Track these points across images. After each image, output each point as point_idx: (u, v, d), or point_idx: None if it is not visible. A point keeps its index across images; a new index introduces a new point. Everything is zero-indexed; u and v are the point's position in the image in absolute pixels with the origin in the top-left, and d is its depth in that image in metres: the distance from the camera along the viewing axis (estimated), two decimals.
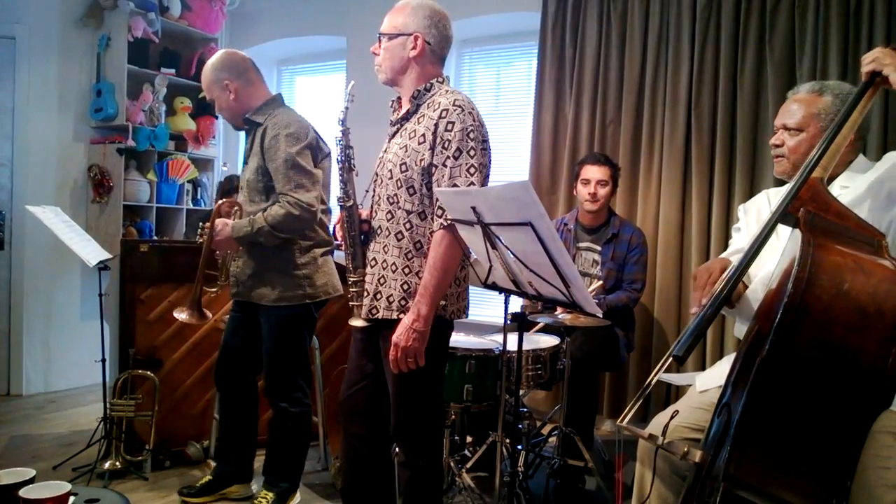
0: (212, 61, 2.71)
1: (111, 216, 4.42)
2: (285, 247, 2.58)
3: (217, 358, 2.82)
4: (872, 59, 1.55)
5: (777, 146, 1.86)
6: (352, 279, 2.07)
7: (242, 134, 2.83)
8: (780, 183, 1.97)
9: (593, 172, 3.27)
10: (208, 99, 2.74)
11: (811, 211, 1.44)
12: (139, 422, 3.07)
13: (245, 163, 2.69)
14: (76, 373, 4.37)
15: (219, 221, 2.57)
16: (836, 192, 1.70)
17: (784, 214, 1.48)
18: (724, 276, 1.61)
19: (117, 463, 2.99)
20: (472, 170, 1.92)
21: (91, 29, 4.49)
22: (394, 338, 1.93)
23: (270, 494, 2.68)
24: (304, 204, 2.47)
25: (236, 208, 2.66)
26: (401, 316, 1.97)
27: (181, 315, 2.62)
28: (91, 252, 3.06)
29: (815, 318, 1.23)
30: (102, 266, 3.04)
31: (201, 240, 2.59)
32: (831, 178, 1.74)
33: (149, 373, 3.09)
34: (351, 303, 2.08)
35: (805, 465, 1.27)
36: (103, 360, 3.13)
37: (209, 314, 2.69)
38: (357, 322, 2.06)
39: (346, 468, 2.24)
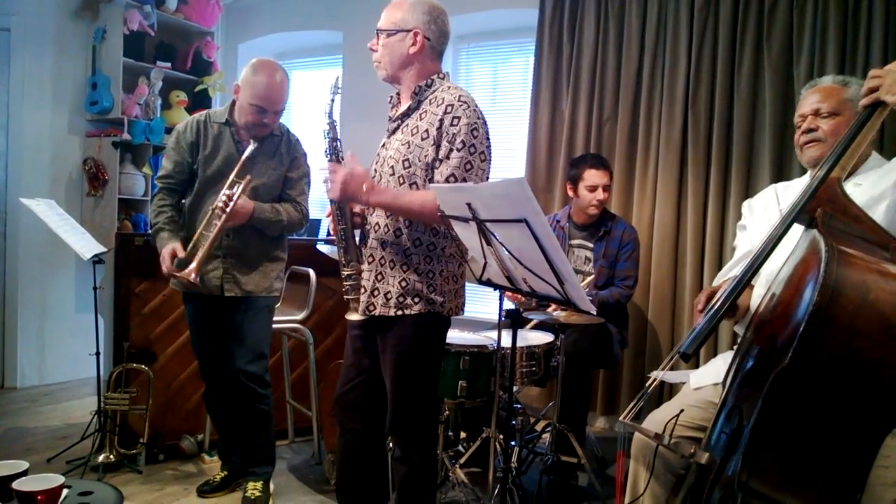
0: (283, 73, 2.63)
1: (106, 209, 4.41)
2: (277, 241, 2.75)
3: (199, 362, 2.85)
4: (869, 86, 1.51)
5: (811, 130, 1.84)
6: (345, 272, 2.07)
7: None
8: (782, 178, 1.96)
9: (599, 178, 3.25)
10: (280, 109, 2.61)
11: (829, 212, 1.41)
12: (133, 415, 3.07)
13: (246, 167, 2.62)
14: (70, 366, 4.37)
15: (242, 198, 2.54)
16: (850, 189, 1.69)
17: (800, 213, 1.46)
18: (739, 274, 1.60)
19: (111, 456, 3.00)
20: (475, 166, 1.92)
21: (86, 21, 4.48)
22: (343, 177, 1.92)
23: (259, 483, 2.72)
24: (307, 217, 2.78)
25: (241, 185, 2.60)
26: (398, 313, 1.97)
27: (186, 270, 2.44)
28: (85, 245, 3.05)
29: (840, 328, 1.19)
30: (97, 259, 3.04)
31: (221, 209, 2.49)
32: (846, 177, 1.73)
33: (143, 366, 3.09)
34: (346, 297, 2.08)
35: (819, 476, 1.25)
36: (97, 354, 3.13)
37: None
38: (353, 316, 2.06)
39: (341, 464, 2.25)
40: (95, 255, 3.02)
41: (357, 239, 2.14)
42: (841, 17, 3.32)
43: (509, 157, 4.39)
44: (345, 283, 2.07)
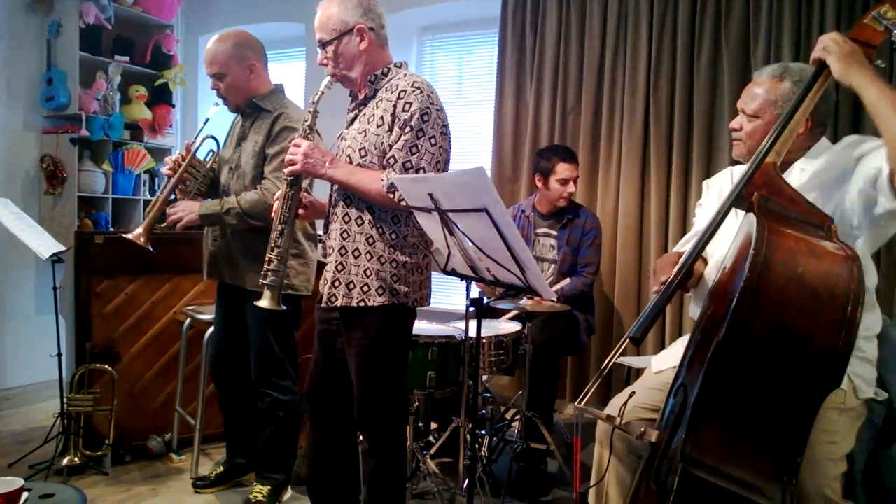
0: (232, 36, 2.61)
1: (65, 208, 4.32)
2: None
3: (211, 354, 2.82)
4: (821, 47, 1.57)
5: (735, 130, 1.88)
6: (269, 255, 2.02)
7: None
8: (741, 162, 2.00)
9: (571, 172, 3.29)
10: (213, 73, 2.57)
11: (764, 195, 1.47)
12: (98, 416, 3.02)
13: (238, 145, 2.65)
14: (32, 368, 4.27)
15: (182, 203, 2.57)
16: (796, 173, 1.74)
17: (738, 198, 1.51)
18: (681, 260, 1.64)
19: (76, 459, 2.94)
20: (421, 149, 1.92)
21: (40, 15, 4.37)
22: (306, 149, 1.96)
23: (265, 488, 2.67)
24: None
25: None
26: (360, 303, 1.97)
27: (133, 233, 2.53)
28: (44, 244, 2.98)
29: (770, 301, 1.26)
30: (56, 259, 2.97)
31: (170, 171, 2.60)
32: (791, 163, 1.77)
33: (107, 366, 3.04)
34: (261, 281, 2.02)
35: (759, 444, 1.30)
36: (59, 355, 3.07)
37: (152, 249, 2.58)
38: (263, 302, 2.01)
39: (312, 457, 2.24)
40: (54, 255, 2.95)
41: (323, 230, 2.13)
42: (795, 5, 3.39)
43: (476, 148, 4.40)
44: (266, 265, 2.02)
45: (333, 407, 2.16)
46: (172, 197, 2.68)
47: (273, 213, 2.06)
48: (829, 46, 1.55)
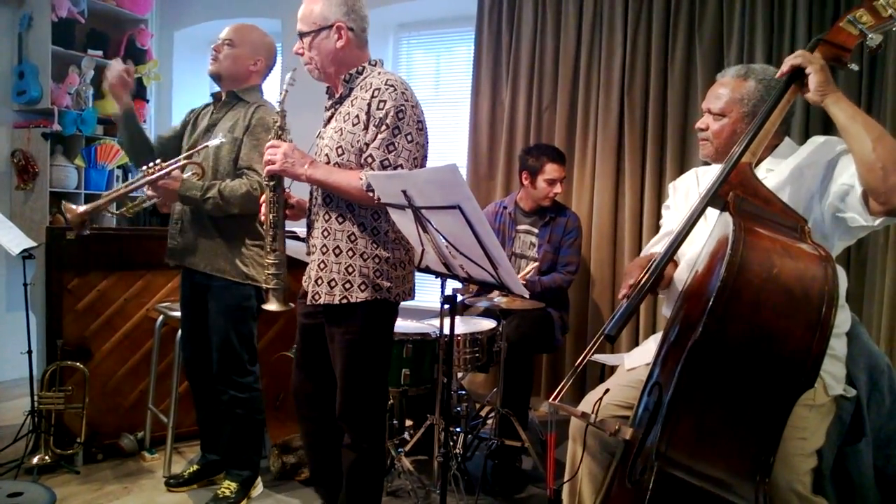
0: (265, 34, 2.72)
1: (37, 203, 4.26)
2: (243, 222, 2.58)
3: (181, 348, 2.81)
4: (800, 58, 1.57)
5: (702, 130, 1.88)
6: (268, 261, 2.03)
7: (178, 113, 2.75)
8: (708, 163, 2.02)
9: (559, 173, 3.31)
10: (226, 38, 2.62)
11: (740, 195, 1.48)
12: (69, 414, 2.98)
13: (207, 131, 2.66)
14: (1, 366, 4.19)
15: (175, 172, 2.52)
16: (762, 174, 1.75)
17: (714, 197, 1.52)
18: (655, 261, 1.65)
19: (47, 457, 2.90)
20: (398, 146, 1.92)
21: (11, 7, 4.30)
22: (285, 150, 1.95)
23: (234, 484, 2.67)
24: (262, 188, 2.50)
25: (195, 171, 2.58)
26: (343, 300, 1.97)
27: (68, 213, 2.48)
28: (13, 240, 2.94)
29: (746, 302, 1.26)
30: (26, 255, 2.93)
31: (148, 173, 2.52)
32: (757, 162, 1.79)
33: (78, 364, 3.00)
34: (265, 285, 2.05)
35: (733, 443, 1.31)
36: (30, 352, 3.02)
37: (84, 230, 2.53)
38: (272, 306, 2.03)
39: (311, 454, 2.26)
40: (24, 251, 2.91)
41: (306, 230, 2.14)
42: (768, 5, 3.44)
43: (453, 146, 4.40)
44: (267, 271, 2.04)
45: (322, 401, 2.16)
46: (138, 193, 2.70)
47: (262, 219, 2.06)
48: (811, 58, 1.55)
